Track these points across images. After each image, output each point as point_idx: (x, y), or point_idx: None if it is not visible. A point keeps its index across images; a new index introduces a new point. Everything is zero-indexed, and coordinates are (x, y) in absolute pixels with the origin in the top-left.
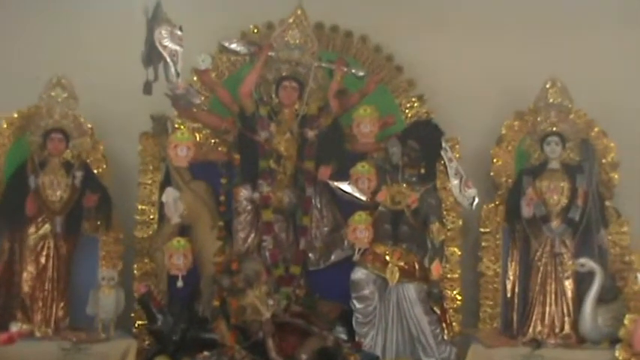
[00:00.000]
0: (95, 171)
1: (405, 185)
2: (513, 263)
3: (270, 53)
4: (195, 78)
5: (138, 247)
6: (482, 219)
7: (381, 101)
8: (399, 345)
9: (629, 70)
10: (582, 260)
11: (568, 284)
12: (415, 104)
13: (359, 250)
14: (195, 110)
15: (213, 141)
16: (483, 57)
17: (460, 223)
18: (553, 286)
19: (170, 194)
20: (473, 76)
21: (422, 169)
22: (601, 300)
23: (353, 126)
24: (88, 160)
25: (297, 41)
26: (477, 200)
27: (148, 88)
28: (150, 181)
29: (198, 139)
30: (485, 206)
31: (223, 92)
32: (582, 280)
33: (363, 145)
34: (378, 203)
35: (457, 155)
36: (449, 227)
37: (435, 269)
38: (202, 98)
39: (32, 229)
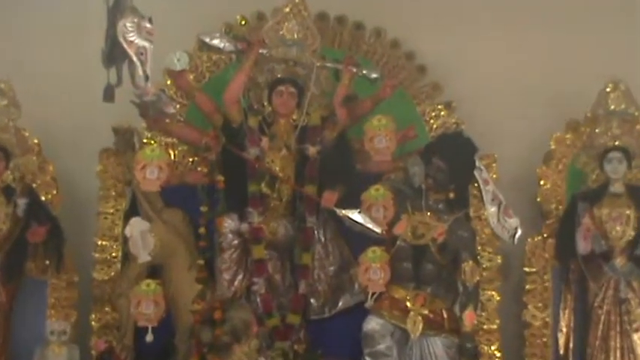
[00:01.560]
0: (43, 198)
1: (429, 214)
2: (567, 311)
3: (261, 51)
4: (168, 81)
5: (96, 292)
6: (526, 256)
7: (399, 109)
8: None
9: None
10: None
11: (637, 338)
12: (442, 113)
13: (373, 294)
14: (168, 121)
15: (190, 160)
16: (526, 54)
17: (499, 260)
18: (618, 340)
19: (137, 226)
20: (513, 77)
21: (450, 193)
22: None
23: (365, 140)
24: (33, 185)
25: (295, 36)
26: (519, 232)
27: (109, 95)
28: (112, 210)
29: (172, 157)
30: (530, 240)
31: (203, 99)
32: None
33: (378, 163)
34: (397, 236)
35: (494, 176)
36: (485, 266)
37: (468, 319)
38: (177, 106)
39: None
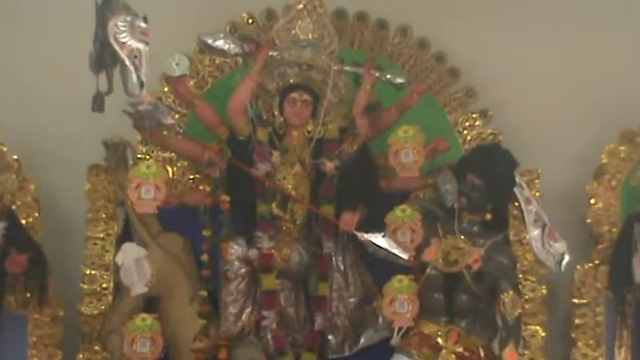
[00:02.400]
0: (24, 221)
1: (463, 238)
2: (622, 349)
3: (271, 53)
4: (166, 88)
5: (85, 328)
6: (575, 285)
7: (428, 119)
8: None
9: None
10: None
11: None
12: (477, 122)
13: (399, 330)
14: (166, 134)
15: (191, 177)
16: (573, 55)
17: (543, 291)
18: None
19: (130, 253)
20: (557, 81)
21: (487, 214)
22: None
23: (389, 154)
24: (13, 206)
25: (310, 36)
26: (567, 258)
27: (98, 104)
28: (102, 235)
29: (170, 174)
30: (579, 267)
31: (206, 108)
32: None
33: (404, 181)
34: (426, 263)
35: (537, 194)
36: (527, 297)
37: (509, 357)
38: (176, 117)
39: None
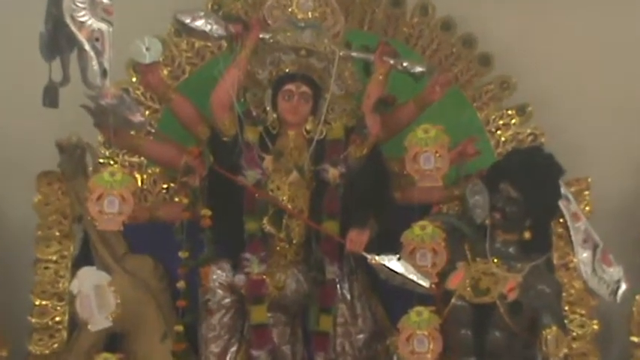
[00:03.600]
0: None
1: (496, 261)
2: None
3: (262, 35)
4: (134, 79)
5: None
6: (633, 320)
7: (453, 116)
8: None
9: None
10: None
11: None
12: (513, 121)
13: None
14: (134, 134)
15: (165, 187)
16: (629, 40)
17: (595, 326)
18: None
19: (90, 279)
20: (612, 72)
21: (526, 232)
22: None
23: (406, 159)
24: None
25: (310, 15)
26: (623, 287)
27: (51, 97)
28: (55, 257)
29: (139, 183)
30: (638, 298)
31: (183, 103)
32: None
33: (424, 191)
34: (451, 292)
35: (587, 209)
36: (574, 334)
37: None
38: (147, 113)
39: None
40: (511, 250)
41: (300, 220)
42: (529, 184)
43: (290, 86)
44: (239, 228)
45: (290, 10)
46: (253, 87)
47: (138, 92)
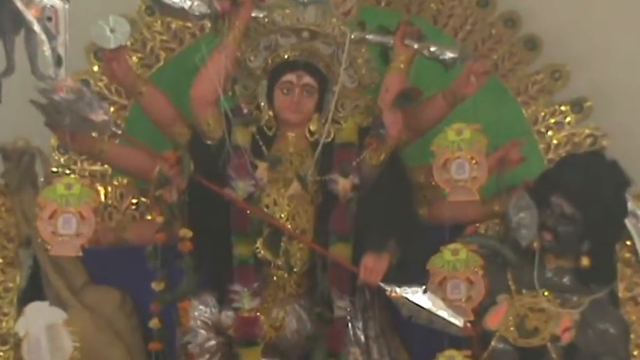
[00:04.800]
0: None
1: (547, 294)
2: None
3: (255, 14)
4: (96, 67)
5: None
6: None
7: (492, 113)
8: None
9: None
10: None
11: None
12: (567, 119)
13: None
14: (96, 136)
15: (134, 202)
16: None
17: None
18: None
19: (40, 318)
20: None
21: (584, 258)
22: None
23: (434, 167)
24: None
25: None
26: None
27: None
28: None
29: (103, 198)
30: None
31: (157, 98)
32: None
33: (457, 207)
34: (491, 333)
35: None
36: None
37: None
38: (112, 110)
39: None
40: (565, 279)
41: (303, 243)
42: (587, 197)
43: (290, 77)
44: (226, 253)
45: None
46: (244, 78)
47: (100, 84)
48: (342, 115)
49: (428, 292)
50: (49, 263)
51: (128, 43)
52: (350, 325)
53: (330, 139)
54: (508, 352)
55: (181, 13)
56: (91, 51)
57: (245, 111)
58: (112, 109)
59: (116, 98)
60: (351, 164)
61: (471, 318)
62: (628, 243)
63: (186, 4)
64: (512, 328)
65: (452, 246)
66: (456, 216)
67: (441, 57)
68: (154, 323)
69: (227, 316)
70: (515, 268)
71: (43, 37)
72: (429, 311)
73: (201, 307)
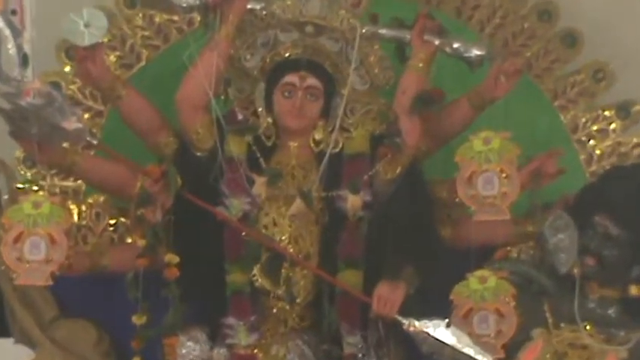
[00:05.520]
0: None
1: (589, 327)
2: None
3: (251, 6)
4: (67, 68)
5: None
6: None
7: (526, 120)
8: None
9: None
10: None
11: None
12: (612, 126)
13: None
14: (68, 147)
15: (112, 223)
16: None
17: None
18: None
19: (2, 357)
20: None
21: (632, 286)
22: None
23: (457, 182)
24: None
25: None
26: None
27: None
28: None
29: (76, 218)
30: None
31: (138, 102)
32: None
33: (484, 228)
34: None
35: None
36: None
37: None
38: (86, 117)
39: None
40: (611, 311)
41: (307, 270)
42: (636, 216)
43: (291, 78)
44: (218, 281)
45: None
46: (239, 79)
47: (73, 87)
48: (352, 122)
49: (452, 326)
50: (14, 294)
51: (105, 39)
52: None
53: (337, 150)
54: None
55: (166, 4)
56: (62, 49)
57: (240, 117)
58: (86, 115)
59: (91, 103)
60: (362, 178)
61: (502, 356)
62: None
63: None
64: None
65: (479, 273)
66: (483, 238)
67: (465, 54)
68: None
69: (220, 354)
70: (552, 298)
71: (7, 32)
72: (452, 348)
73: (189, 343)
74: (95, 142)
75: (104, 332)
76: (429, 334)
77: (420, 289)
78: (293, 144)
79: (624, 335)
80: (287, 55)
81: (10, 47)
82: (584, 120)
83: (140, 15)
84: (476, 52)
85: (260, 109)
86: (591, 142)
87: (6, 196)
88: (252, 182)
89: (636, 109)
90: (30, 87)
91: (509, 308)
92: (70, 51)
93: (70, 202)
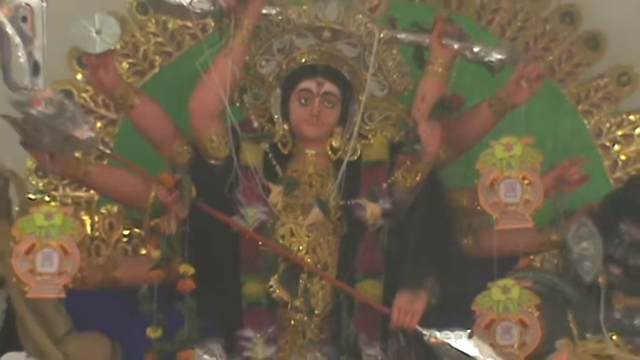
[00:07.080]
0: None
1: (615, 338)
2: None
3: (266, 11)
4: (79, 75)
5: None
6: None
7: (549, 125)
8: None
9: None
10: None
11: None
12: (637, 131)
13: None
14: (80, 157)
15: (126, 234)
16: None
17: None
18: None
19: None
20: None
21: None
22: None
23: (479, 189)
24: None
25: None
26: None
27: None
28: None
29: (89, 229)
30: None
31: (151, 111)
32: None
33: (506, 237)
34: None
35: None
36: None
37: None
38: (99, 126)
39: None
40: (637, 321)
41: (325, 281)
42: None
43: (308, 84)
44: (235, 293)
45: None
46: (254, 86)
47: (85, 95)
48: (370, 129)
49: (474, 337)
50: (26, 307)
51: (117, 46)
52: None
53: (355, 157)
54: None
55: (180, 10)
56: (73, 56)
57: (255, 125)
58: (98, 124)
59: (104, 112)
60: (381, 187)
61: None
62: None
63: (186, 1)
64: None
65: (502, 282)
66: (505, 247)
67: (486, 59)
68: None
69: None
70: (576, 308)
71: (17, 40)
72: (473, 359)
73: (205, 356)
74: (108, 151)
75: (118, 346)
76: (450, 346)
77: (441, 299)
78: (310, 152)
79: None
80: (303, 60)
81: (21, 55)
82: (608, 125)
83: (153, 21)
84: (497, 56)
85: (276, 117)
86: (616, 147)
87: (17, 207)
88: (268, 191)
89: None
90: (41, 96)
91: (532, 318)
92: (81, 58)
93: (82, 213)
